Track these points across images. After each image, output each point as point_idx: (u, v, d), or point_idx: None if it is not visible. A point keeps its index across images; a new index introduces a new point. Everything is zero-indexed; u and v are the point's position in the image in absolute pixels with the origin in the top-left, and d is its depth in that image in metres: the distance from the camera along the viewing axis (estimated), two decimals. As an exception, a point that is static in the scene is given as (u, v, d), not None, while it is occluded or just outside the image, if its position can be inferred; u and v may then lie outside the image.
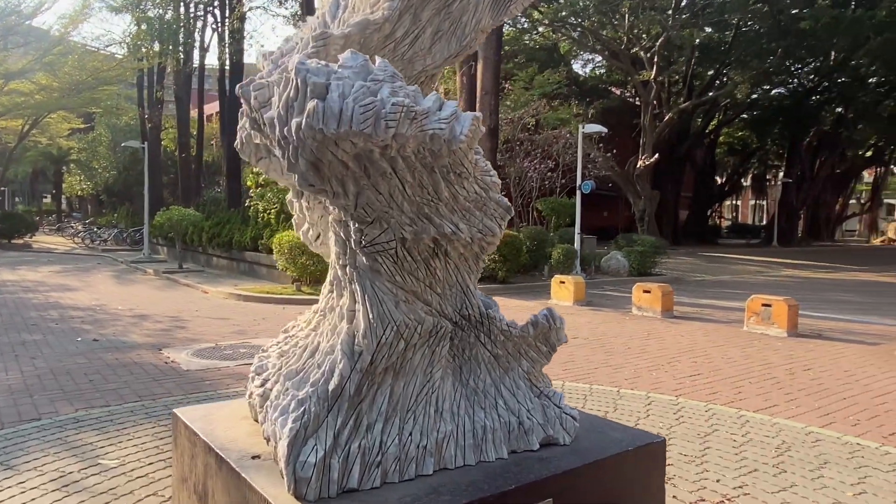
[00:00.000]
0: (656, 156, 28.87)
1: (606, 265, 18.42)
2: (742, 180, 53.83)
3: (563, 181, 21.07)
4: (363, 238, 2.59)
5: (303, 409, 2.47)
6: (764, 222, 54.14)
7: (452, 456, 2.64)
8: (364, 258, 2.63)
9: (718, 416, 5.76)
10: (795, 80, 36.20)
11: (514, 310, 12.34)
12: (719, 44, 31.65)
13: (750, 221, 62.90)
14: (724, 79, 33.25)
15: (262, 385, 2.90)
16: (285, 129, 2.24)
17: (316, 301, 3.08)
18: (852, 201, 58.53)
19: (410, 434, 2.58)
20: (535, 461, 2.71)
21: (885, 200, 63.86)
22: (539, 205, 20.48)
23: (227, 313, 11.72)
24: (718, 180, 49.15)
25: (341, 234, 2.71)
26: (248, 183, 18.98)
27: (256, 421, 3.01)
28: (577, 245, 17.38)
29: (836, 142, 40.92)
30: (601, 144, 25.02)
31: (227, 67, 25.24)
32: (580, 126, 17.47)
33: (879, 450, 4.95)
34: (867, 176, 57.89)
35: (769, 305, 10.02)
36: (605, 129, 17.32)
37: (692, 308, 12.89)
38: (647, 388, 6.75)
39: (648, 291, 11.83)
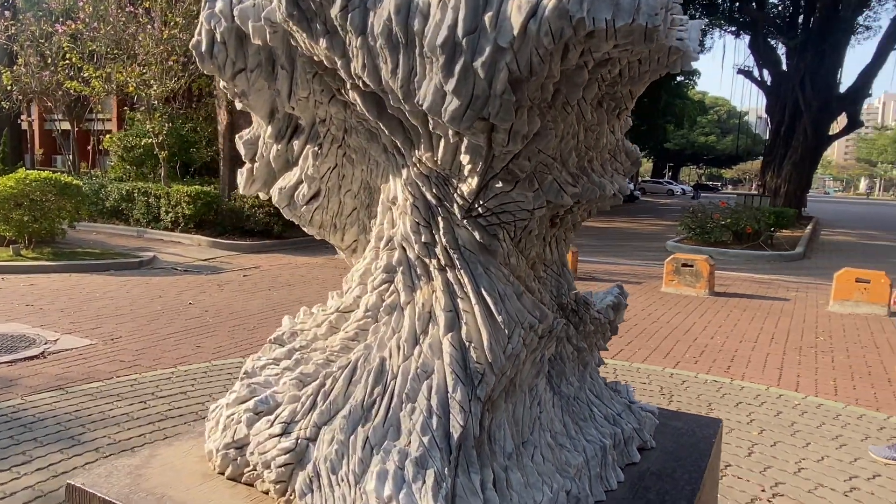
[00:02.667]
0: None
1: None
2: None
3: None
4: (481, 204, 1.73)
5: (431, 474, 1.59)
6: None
7: (587, 496, 1.98)
8: (476, 233, 1.77)
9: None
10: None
11: (305, 268, 11.34)
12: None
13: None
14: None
15: (286, 432, 1.85)
16: (484, 16, 1.28)
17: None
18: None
19: (542, 478, 1.85)
20: (654, 479, 2.19)
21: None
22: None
23: None
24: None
25: (427, 196, 1.79)
26: None
27: (241, 482, 1.94)
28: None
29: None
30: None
31: None
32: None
33: (733, 384, 5.48)
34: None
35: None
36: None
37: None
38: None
39: None
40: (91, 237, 13.46)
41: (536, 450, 1.90)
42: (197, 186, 13.77)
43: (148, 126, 13.87)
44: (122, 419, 4.33)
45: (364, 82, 1.60)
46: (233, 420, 1.97)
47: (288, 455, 1.80)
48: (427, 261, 1.83)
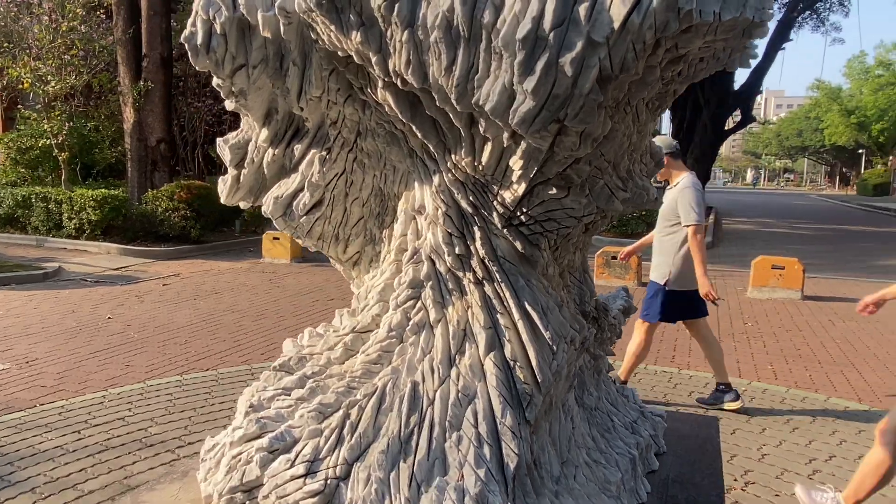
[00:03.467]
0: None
1: (296, 217, 17.55)
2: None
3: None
4: (524, 211, 1.61)
5: (494, 510, 1.45)
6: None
7: (626, 511, 1.90)
8: (517, 243, 1.65)
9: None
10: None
11: (230, 274, 10.79)
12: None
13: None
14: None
15: (311, 471, 1.66)
16: (578, 7, 1.15)
17: None
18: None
19: (591, 501, 1.76)
20: (679, 487, 2.15)
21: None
22: (213, 151, 18.23)
23: None
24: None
25: (462, 204, 1.65)
26: None
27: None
28: (267, 196, 16.05)
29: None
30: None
31: None
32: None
33: (681, 373, 5.64)
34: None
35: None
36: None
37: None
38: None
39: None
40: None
41: (578, 469, 1.80)
42: (103, 190, 12.81)
43: (46, 126, 12.75)
44: (55, 453, 3.89)
45: (403, 80, 1.44)
46: (240, 461, 1.75)
47: (316, 498, 1.61)
48: (460, 274, 1.69)
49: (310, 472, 1.64)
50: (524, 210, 1.58)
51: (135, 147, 13.66)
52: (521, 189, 1.53)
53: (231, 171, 2.06)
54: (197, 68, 1.71)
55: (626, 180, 1.63)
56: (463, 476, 1.51)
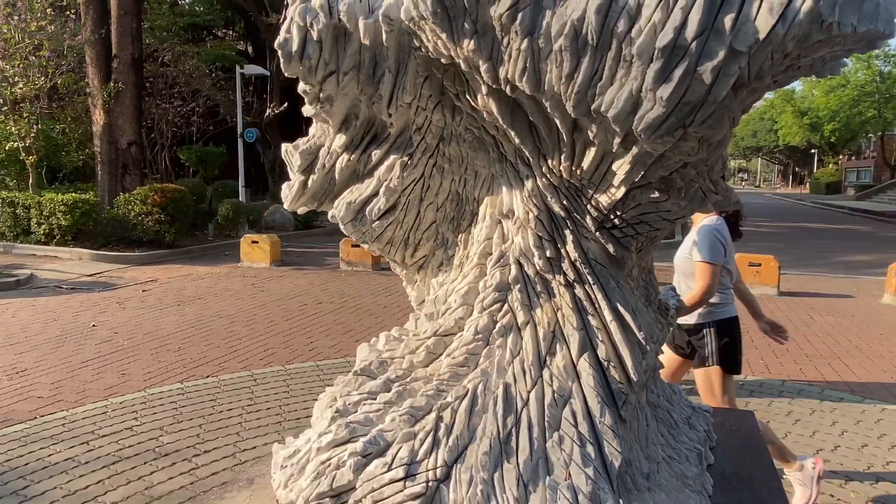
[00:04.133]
0: (286, 104, 28.20)
1: (271, 219, 17.32)
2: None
3: (211, 127, 18.73)
4: (618, 214, 1.65)
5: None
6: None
7: (702, 508, 1.96)
8: (610, 246, 1.69)
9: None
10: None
11: (210, 279, 10.60)
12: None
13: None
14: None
15: (410, 474, 1.67)
16: (724, 18, 1.19)
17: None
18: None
19: (677, 495, 1.81)
20: (738, 481, 2.22)
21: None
22: (182, 153, 17.89)
23: None
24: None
25: (554, 208, 1.69)
26: None
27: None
28: (242, 199, 15.85)
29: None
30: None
31: None
32: (239, 66, 15.61)
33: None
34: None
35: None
36: (266, 71, 15.92)
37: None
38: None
39: (358, 245, 11.52)
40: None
41: (659, 465, 1.85)
42: (73, 194, 12.45)
43: (13, 128, 12.32)
44: (67, 465, 3.79)
45: (513, 87, 1.46)
46: (329, 466, 1.75)
47: (417, 501, 1.62)
48: (549, 277, 1.72)
49: (409, 475, 1.65)
50: (619, 213, 1.63)
51: (105, 150, 13.31)
52: (619, 193, 1.57)
53: (297, 177, 2.05)
54: (286, 74, 1.70)
55: (716, 182, 1.68)
56: (570, 475, 1.55)
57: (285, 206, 2.15)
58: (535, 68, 1.41)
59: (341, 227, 2.07)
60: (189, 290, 9.58)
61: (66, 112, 15.11)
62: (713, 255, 3.09)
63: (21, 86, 11.96)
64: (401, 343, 1.93)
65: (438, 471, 1.64)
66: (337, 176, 1.99)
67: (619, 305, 1.67)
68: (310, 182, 2.04)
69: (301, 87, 1.74)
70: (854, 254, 15.25)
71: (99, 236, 12.63)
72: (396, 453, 1.69)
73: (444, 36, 1.46)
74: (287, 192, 2.10)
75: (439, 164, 1.88)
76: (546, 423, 1.64)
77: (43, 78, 12.31)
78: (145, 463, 3.85)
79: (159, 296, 9.18)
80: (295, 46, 1.63)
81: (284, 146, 2.07)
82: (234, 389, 5.20)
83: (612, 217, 1.64)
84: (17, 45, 11.80)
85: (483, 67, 1.46)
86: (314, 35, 1.61)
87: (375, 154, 1.90)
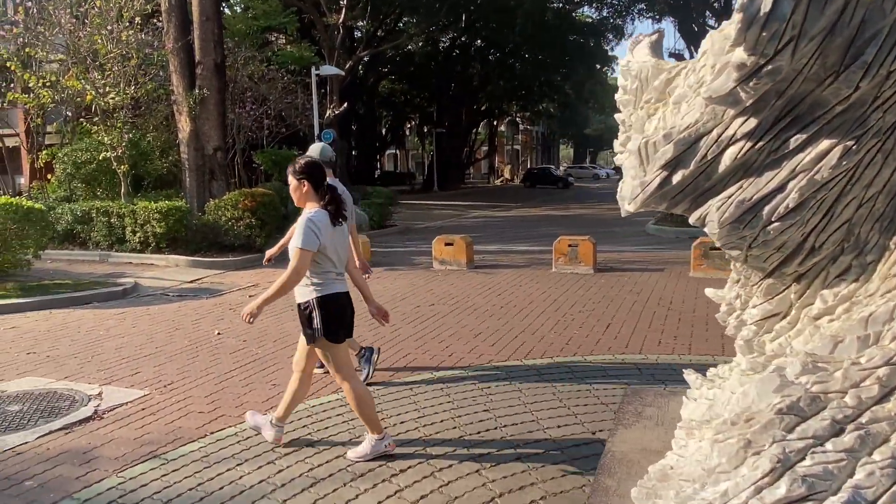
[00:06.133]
0: (345, 105, 28.23)
1: (346, 220, 17.23)
2: (401, 132, 56.93)
3: (283, 130, 18.80)
4: None
5: None
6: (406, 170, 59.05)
7: None
8: None
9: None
10: (445, 36, 39.13)
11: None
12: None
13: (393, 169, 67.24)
14: (397, 27, 34.00)
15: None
16: None
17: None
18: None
19: None
20: None
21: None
22: (257, 157, 17.98)
23: None
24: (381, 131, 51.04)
25: None
26: None
27: None
28: (319, 201, 15.74)
29: (476, 95, 46.06)
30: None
31: None
32: (314, 68, 15.56)
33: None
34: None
35: (576, 245, 10.44)
36: (342, 72, 15.80)
37: (482, 257, 12.74)
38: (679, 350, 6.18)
39: (451, 244, 11.27)
40: (48, 266, 11.97)
41: None
42: (165, 202, 12.55)
43: (106, 139, 12.48)
44: (265, 488, 3.59)
45: None
46: None
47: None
48: None
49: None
50: None
51: (192, 156, 13.39)
52: None
53: (656, 174, 1.73)
54: (738, 44, 1.37)
55: None
56: None
57: (627, 207, 1.84)
58: None
59: (713, 229, 1.74)
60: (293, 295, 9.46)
61: (148, 121, 15.29)
62: (305, 241, 3.62)
63: (112, 95, 12.09)
64: (830, 373, 1.59)
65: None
66: (720, 169, 1.66)
67: None
68: (675, 177, 1.71)
69: (743, 59, 1.40)
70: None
71: (190, 243, 12.71)
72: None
73: None
74: (636, 191, 1.78)
75: (884, 149, 1.53)
76: None
77: (132, 87, 12.42)
78: (344, 485, 3.62)
79: (266, 301, 9.08)
80: (766, 6, 1.30)
81: (642, 138, 1.75)
82: (395, 399, 4.97)
83: None
84: (108, 55, 11.92)
85: None
86: (794, -8, 1.28)
87: (795, 140, 1.55)
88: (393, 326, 7.26)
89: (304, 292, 3.84)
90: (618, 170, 74.76)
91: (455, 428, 4.37)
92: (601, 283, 9.54)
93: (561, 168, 70.14)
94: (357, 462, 3.85)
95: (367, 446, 3.88)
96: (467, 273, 10.82)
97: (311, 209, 3.76)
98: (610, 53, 41.73)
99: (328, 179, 4.40)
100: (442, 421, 4.51)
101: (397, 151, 66.77)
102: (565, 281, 9.80)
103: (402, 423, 4.50)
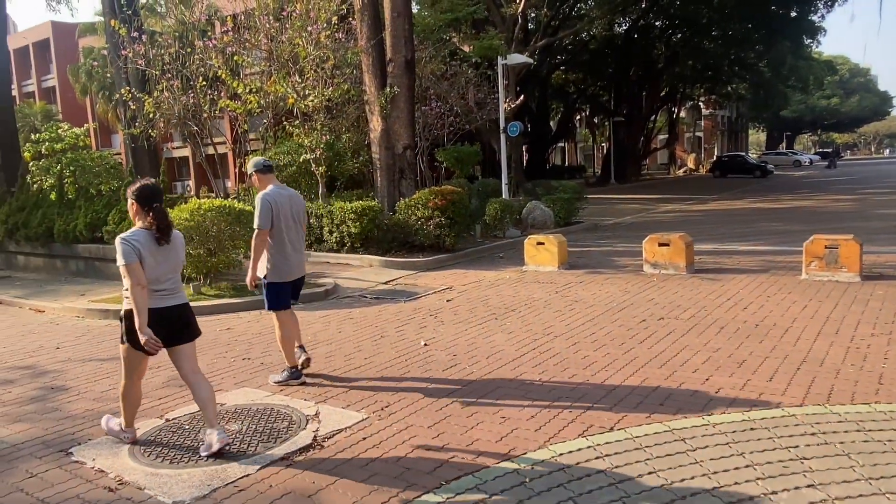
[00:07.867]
0: (521, 97, 27.34)
1: (531, 218, 16.39)
2: (570, 123, 55.16)
3: (467, 126, 18.45)
4: None
5: None
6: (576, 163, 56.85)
7: None
8: None
9: None
10: (629, 16, 36.78)
11: (504, 286, 9.68)
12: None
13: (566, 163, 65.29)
14: (574, 13, 32.56)
15: None
16: None
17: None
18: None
19: None
20: None
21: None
22: (439, 155, 17.76)
23: (110, 345, 7.64)
24: (552, 123, 49.73)
25: None
26: (26, 155, 13.93)
27: None
28: (505, 197, 15.06)
29: (658, 79, 43.00)
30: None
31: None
32: (500, 58, 14.90)
33: None
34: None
35: (835, 247, 8.56)
36: (531, 61, 14.96)
37: (700, 258, 11.19)
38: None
39: (666, 244, 9.90)
40: (248, 265, 12.46)
41: None
42: (359, 202, 12.52)
43: (305, 141, 12.74)
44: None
45: None
46: None
47: None
48: None
49: None
50: None
51: (383, 156, 13.29)
52: None
53: None
54: None
55: None
56: None
57: None
58: None
59: None
60: (493, 300, 8.74)
61: (341, 122, 15.56)
62: (124, 257, 3.99)
63: (312, 98, 12.26)
64: None
65: None
66: None
67: None
68: None
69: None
70: None
71: (381, 242, 12.58)
72: None
73: None
74: None
75: None
76: None
77: (329, 89, 12.53)
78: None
79: (467, 307, 8.44)
80: None
81: None
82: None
83: None
84: (307, 58, 12.09)
85: None
86: None
87: None
88: (604, 346, 6.19)
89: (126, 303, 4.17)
90: (823, 155, 66.82)
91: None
92: (879, 295, 7.64)
93: (754, 155, 63.79)
94: None
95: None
96: (689, 279, 9.38)
97: (135, 226, 4.16)
98: (818, 24, 36.45)
99: (271, 185, 5.57)
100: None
101: (565, 144, 64.82)
102: (826, 291, 8.00)
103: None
